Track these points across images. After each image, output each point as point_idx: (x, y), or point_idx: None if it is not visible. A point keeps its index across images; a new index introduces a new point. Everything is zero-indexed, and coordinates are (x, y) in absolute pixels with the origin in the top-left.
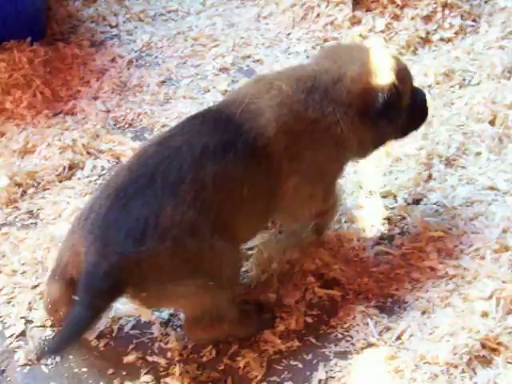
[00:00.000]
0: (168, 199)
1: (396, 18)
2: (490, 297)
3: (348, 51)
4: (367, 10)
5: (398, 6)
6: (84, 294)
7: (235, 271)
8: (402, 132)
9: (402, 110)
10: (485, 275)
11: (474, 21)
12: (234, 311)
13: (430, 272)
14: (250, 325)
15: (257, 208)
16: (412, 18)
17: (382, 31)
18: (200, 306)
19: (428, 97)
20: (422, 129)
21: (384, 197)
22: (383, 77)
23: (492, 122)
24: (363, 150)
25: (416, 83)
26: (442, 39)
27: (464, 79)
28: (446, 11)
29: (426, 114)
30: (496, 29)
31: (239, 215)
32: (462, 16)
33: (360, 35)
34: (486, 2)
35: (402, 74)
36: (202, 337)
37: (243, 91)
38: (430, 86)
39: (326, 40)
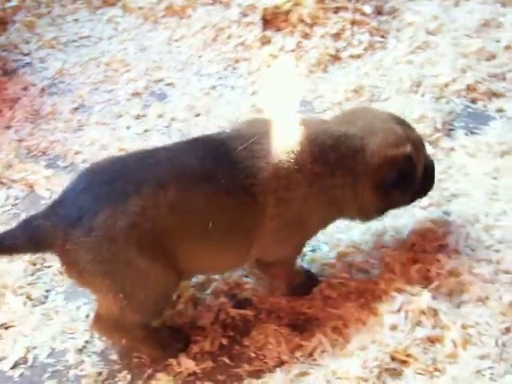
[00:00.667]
0: (114, 201)
1: (306, 36)
2: (399, 310)
3: (371, 120)
4: (277, 30)
5: (307, 24)
6: (17, 227)
7: (152, 300)
8: (411, 200)
9: (416, 180)
10: (394, 289)
11: (382, 37)
12: (141, 332)
13: (341, 288)
14: (159, 348)
15: (219, 247)
16: (322, 36)
17: (293, 50)
18: (107, 310)
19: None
20: None
21: None
22: (401, 149)
23: None
24: (365, 215)
25: (327, 100)
26: (351, 56)
27: (373, 95)
28: (355, 28)
29: (434, 181)
30: (404, 44)
31: (193, 247)
32: (370, 32)
33: (270, 55)
34: (393, 18)
35: (417, 144)
36: (103, 334)
37: (256, 128)
38: (340, 103)
39: (237, 61)
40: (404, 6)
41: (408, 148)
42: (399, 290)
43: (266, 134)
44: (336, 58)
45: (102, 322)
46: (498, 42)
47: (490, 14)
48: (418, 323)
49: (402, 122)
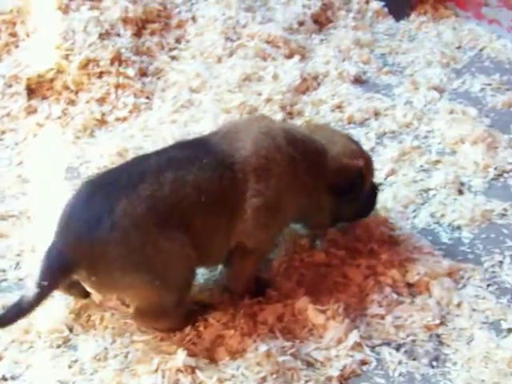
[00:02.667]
0: (126, 193)
1: (72, 103)
2: (156, 370)
3: (332, 134)
4: (43, 98)
5: (72, 91)
6: (39, 271)
7: (182, 276)
8: (355, 215)
9: (363, 194)
10: (152, 349)
11: (147, 98)
12: (179, 312)
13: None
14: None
15: (216, 222)
16: (87, 102)
17: (59, 117)
18: (146, 302)
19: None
20: None
21: None
22: (355, 161)
23: None
24: (319, 219)
25: (93, 166)
26: (117, 119)
27: None
28: (120, 91)
29: (375, 205)
30: (168, 103)
31: (197, 223)
32: (135, 94)
33: (37, 124)
34: (158, 79)
35: (369, 163)
36: (146, 326)
37: (233, 123)
38: (106, 167)
39: (3, 132)
40: (168, 65)
41: (361, 162)
42: (157, 350)
43: (239, 126)
44: (102, 122)
45: (144, 317)
46: (259, 95)
47: (251, 69)
48: (176, 381)
49: (356, 142)
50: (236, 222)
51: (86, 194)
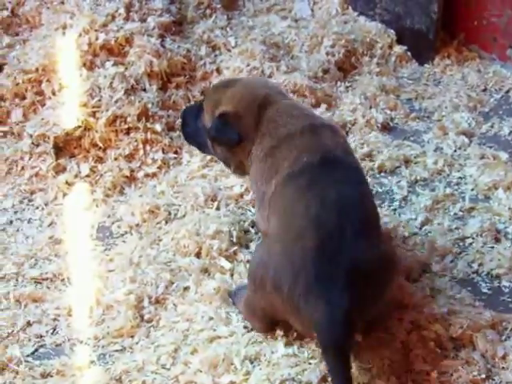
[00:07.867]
0: (362, 242)
1: (100, 160)
2: None
3: None
4: (71, 157)
5: (100, 148)
6: (330, 350)
7: None
8: None
9: None
10: None
11: (175, 153)
12: None
13: None
14: None
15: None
16: (115, 159)
17: (88, 175)
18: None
19: None
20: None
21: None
22: None
23: (198, 255)
24: None
25: (124, 224)
26: (146, 175)
27: (170, 213)
28: (148, 147)
29: None
30: (197, 158)
31: None
32: (163, 150)
33: (66, 183)
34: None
35: None
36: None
37: (315, 131)
38: (138, 225)
39: (32, 192)
40: None
41: None
42: None
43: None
44: (132, 178)
45: None
46: None
47: None
48: None
49: None
50: None
51: (321, 257)
